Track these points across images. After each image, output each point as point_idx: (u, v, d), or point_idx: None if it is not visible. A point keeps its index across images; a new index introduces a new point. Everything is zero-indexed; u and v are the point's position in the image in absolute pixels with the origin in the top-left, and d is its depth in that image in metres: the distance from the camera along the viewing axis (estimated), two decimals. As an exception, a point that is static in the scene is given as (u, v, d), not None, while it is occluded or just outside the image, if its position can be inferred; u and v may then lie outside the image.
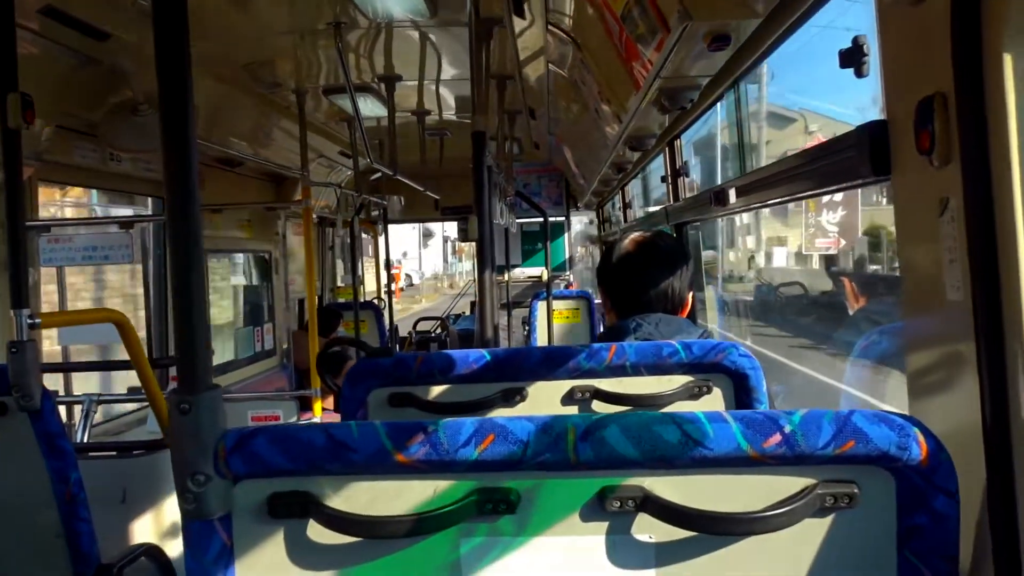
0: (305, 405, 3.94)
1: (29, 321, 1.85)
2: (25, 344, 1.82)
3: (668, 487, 0.90)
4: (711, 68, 2.13)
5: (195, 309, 0.94)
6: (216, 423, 0.93)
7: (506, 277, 6.32)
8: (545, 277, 5.26)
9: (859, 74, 1.32)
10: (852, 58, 1.34)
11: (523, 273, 8.19)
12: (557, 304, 5.51)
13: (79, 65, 2.92)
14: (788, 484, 0.90)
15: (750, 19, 1.76)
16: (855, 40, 1.32)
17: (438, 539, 0.93)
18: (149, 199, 4.45)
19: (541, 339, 5.54)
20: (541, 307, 5.51)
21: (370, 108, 4.19)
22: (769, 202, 2.21)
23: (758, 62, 2.20)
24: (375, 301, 6.94)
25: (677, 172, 3.63)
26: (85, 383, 4.38)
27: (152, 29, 0.92)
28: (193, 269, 0.94)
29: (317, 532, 0.94)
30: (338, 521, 0.93)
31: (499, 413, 1.69)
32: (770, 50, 2.06)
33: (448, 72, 3.74)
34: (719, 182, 2.61)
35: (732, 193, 2.30)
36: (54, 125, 3.03)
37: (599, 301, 5.95)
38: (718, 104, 2.86)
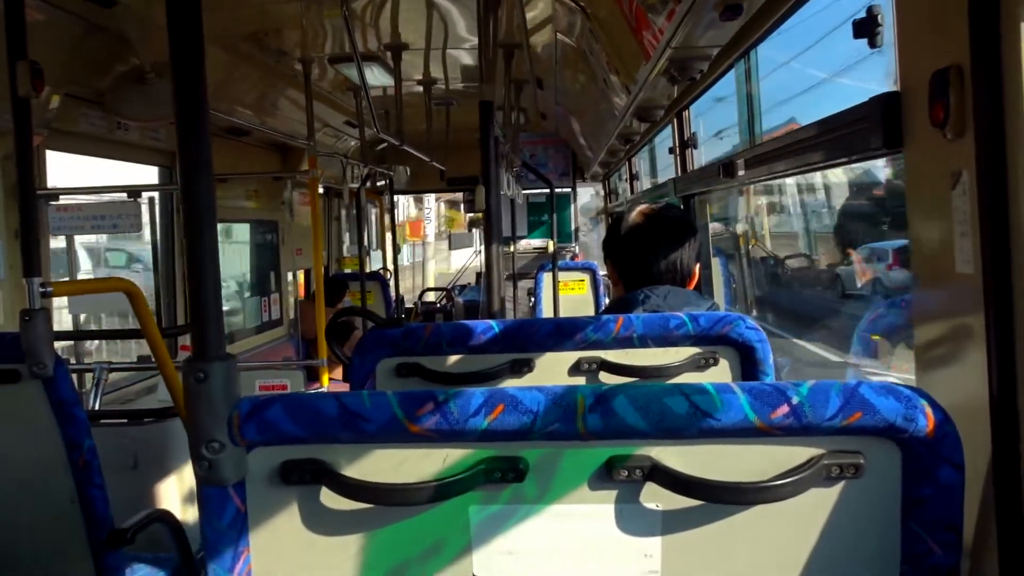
0: (312, 375, 3.96)
1: (42, 289, 1.86)
2: (37, 312, 1.82)
3: (675, 457, 0.91)
4: (722, 38, 2.11)
5: (208, 278, 0.94)
6: (231, 391, 0.94)
7: (512, 248, 6.32)
8: (551, 249, 5.26)
9: (873, 44, 1.31)
10: (866, 28, 1.32)
11: (529, 244, 8.18)
12: (562, 276, 5.52)
13: (85, 32, 2.90)
14: (794, 454, 0.90)
15: None
16: (870, 10, 1.31)
17: (448, 507, 0.94)
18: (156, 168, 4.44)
19: (546, 310, 5.55)
20: (547, 278, 5.52)
21: (377, 77, 4.16)
22: (778, 174, 2.20)
23: (769, 32, 2.17)
24: (381, 272, 6.95)
25: (685, 143, 3.61)
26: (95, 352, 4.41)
27: None
28: (206, 238, 0.94)
29: (329, 499, 0.95)
30: (350, 488, 0.94)
31: (506, 384, 1.70)
32: (782, 20, 2.04)
33: (455, 41, 3.71)
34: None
35: (741, 164, 2.29)
36: (62, 93, 3.02)
37: (604, 273, 5.98)
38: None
